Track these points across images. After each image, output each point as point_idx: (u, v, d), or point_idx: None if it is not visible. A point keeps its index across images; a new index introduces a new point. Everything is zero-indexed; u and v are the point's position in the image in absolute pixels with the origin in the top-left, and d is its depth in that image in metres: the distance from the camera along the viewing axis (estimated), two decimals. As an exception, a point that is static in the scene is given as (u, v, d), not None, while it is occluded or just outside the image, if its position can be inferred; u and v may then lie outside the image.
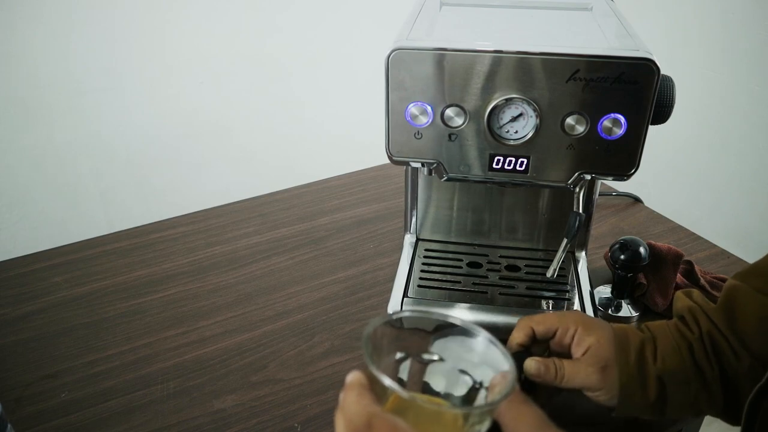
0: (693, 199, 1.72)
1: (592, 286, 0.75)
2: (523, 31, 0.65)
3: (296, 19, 1.51)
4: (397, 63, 0.56)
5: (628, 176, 0.59)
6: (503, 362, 0.35)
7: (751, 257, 0.87)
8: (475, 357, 0.37)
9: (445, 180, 0.62)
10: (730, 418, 0.53)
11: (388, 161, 0.62)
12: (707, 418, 0.69)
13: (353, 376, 0.33)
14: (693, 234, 0.93)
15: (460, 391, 0.37)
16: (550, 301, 0.72)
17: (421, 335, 0.37)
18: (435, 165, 0.62)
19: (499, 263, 0.79)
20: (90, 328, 0.75)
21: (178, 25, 1.37)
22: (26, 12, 1.19)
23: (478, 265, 0.78)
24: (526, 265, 0.78)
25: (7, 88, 1.23)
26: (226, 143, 1.55)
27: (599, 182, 0.76)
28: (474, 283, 0.74)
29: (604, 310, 0.76)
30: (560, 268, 0.71)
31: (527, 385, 0.54)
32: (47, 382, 0.67)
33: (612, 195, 1.02)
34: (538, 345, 0.57)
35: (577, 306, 0.71)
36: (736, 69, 1.50)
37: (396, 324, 0.37)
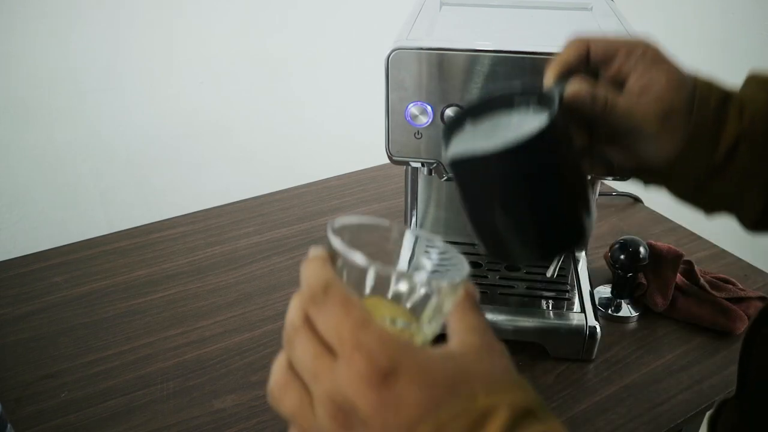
0: (693, 199, 1.72)
1: (592, 286, 0.75)
2: (523, 31, 0.65)
3: (296, 19, 1.51)
4: (397, 63, 0.56)
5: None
6: (461, 267, 0.35)
7: (751, 257, 0.87)
8: (432, 266, 0.37)
9: (445, 180, 0.62)
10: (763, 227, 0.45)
11: (388, 161, 0.62)
12: (707, 418, 0.69)
13: (317, 250, 0.33)
14: (693, 234, 0.93)
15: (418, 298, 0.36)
16: (550, 301, 0.72)
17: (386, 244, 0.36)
18: (435, 165, 0.62)
19: (499, 263, 0.78)
20: (90, 328, 0.75)
21: (179, 26, 1.37)
22: (26, 12, 1.19)
23: (478, 265, 0.78)
24: (526, 265, 0.78)
25: (7, 87, 1.23)
26: (226, 143, 1.55)
27: (599, 182, 0.76)
28: (474, 283, 0.74)
29: (604, 310, 0.76)
30: (560, 267, 0.71)
31: (557, 126, 0.39)
32: (47, 382, 0.67)
33: (612, 195, 1.03)
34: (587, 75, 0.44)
35: (577, 307, 0.71)
36: (736, 69, 1.50)
37: (363, 228, 0.35)
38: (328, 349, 0.29)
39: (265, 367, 0.68)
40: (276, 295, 0.80)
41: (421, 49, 0.56)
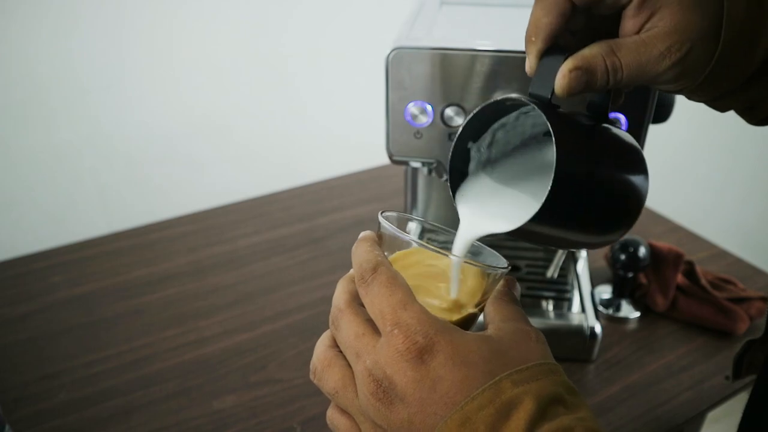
0: (693, 199, 1.72)
1: (593, 286, 0.75)
2: (523, 30, 0.64)
3: (297, 19, 1.51)
4: (397, 62, 0.56)
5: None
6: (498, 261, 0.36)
7: (751, 257, 0.87)
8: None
9: (445, 180, 0.62)
10: None
11: (388, 161, 0.62)
12: (708, 418, 0.69)
13: (367, 233, 0.35)
14: (693, 234, 0.93)
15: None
16: (551, 301, 0.72)
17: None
18: (435, 165, 0.61)
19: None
20: (89, 328, 0.74)
21: (180, 24, 1.37)
22: (28, 10, 1.19)
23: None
24: (526, 265, 0.78)
25: (7, 87, 1.23)
26: (226, 143, 1.55)
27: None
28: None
29: (605, 310, 0.76)
30: (560, 268, 0.71)
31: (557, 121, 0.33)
32: (46, 382, 0.67)
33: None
34: (578, 33, 0.35)
35: (577, 307, 0.71)
36: None
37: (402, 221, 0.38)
38: (371, 329, 0.31)
39: (265, 367, 0.68)
40: (276, 295, 0.80)
41: (421, 48, 0.55)
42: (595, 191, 0.34)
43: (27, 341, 0.72)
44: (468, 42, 0.56)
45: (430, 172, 0.63)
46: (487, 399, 0.28)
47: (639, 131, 0.56)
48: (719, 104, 0.37)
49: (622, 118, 0.55)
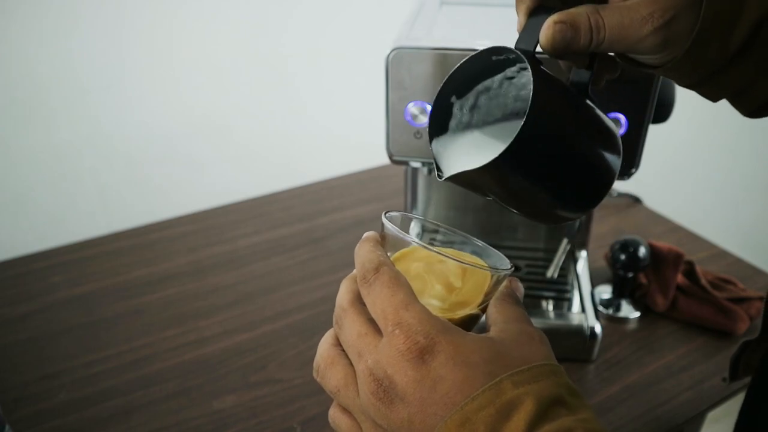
0: (693, 199, 1.72)
1: (593, 286, 0.75)
2: (524, 30, 0.64)
3: (297, 19, 1.50)
4: (397, 62, 0.56)
5: (629, 176, 0.59)
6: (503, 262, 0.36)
7: (751, 257, 0.87)
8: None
9: (445, 180, 0.62)
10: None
11: (388, 161, 0.62)
12: (708, 418, 0.69)
13: (370, 233, 0.35)
14: (693, 234, 0.93)
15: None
16: (551, 302, 0.72)
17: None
18: (435, 165, 0.61)
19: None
20: (89, 328, 0.74)
21: (180, 24, 1.37)
22: (28, 10, 1.19)
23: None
24: (526, 265, 0.78)
25: (7, 87, 1.23)
26: (226, 143, 1.55)
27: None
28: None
29: (605, 310, 0.76)
30: (560, 268, 0.71)
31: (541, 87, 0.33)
32: (46, 382, 0.67)
33: (612, 196, 1.02)
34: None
35: (577, 307, 0.71)
36: None
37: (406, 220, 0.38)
38: (373, 329, 0.32)
39: (265, 367, 0.68)
40: (276, 295, 0.80)
41: (421, 48, 0.55)
42: (564, 147, 0.35)
43: (27, 341, 0.72)
44: (468, 42, 0.56)
45: (430, 172, 0.63)
46: (488, 399, 0.28)
47: (639, 131, 0.56)
48: (707, 90, 0.37)
49: (622, 118, 0.55)
